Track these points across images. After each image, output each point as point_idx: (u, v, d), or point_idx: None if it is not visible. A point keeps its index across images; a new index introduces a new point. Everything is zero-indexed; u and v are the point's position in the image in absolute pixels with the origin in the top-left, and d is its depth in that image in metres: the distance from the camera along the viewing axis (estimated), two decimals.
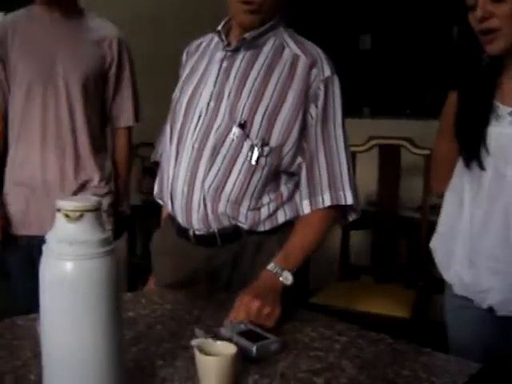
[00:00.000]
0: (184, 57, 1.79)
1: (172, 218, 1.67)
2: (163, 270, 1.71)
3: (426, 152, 3.01)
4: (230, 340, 1.18)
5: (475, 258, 1.57)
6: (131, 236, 3.99)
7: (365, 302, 2.85)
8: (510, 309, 1.54)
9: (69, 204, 0.90)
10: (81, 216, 0.90)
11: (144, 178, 3.89)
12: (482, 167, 1.53)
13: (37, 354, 1.06)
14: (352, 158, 3.06)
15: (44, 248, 0.93)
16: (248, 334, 1.23)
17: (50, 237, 0.93)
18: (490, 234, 1.54)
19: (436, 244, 1.72)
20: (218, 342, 1.11)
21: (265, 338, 1.23)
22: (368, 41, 4.25)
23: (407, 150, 3.16)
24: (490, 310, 1.57)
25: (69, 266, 0.90)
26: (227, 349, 1.08)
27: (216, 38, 1.65)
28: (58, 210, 0.91)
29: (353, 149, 3.14)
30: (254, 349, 1.18)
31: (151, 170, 3.78)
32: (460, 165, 1.62)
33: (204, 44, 1.72)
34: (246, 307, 1.36)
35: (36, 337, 1.13)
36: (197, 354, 1.06)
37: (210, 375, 1.04)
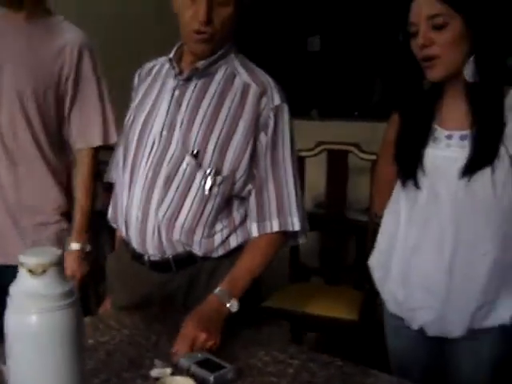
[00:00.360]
0: (136, 80, 1.81)
1: (126, 243, 1.71)
2: (118, 293, 1.74)
3: (373, 157, 3.10)
4: (187, 370, 1.24)
5: (408, 277, 1.66)
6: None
7: (316, 305, 2.93)
8: (440, 329, 1.63)
9: (32, 260, 0.94)
10: (44, 271, 0.94)
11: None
12: (417, 186, 1.61)
13: None
14: (301, 162, 3.17)
15: (8, 300, 0.97)
16: (205, 364, 1.29)
17: (14, 290, 0.96)
18: (423, 253, 1.62)
19: (374, 262, 1.81)
20: (177, 377, 1.16)
21: (221, 367, 1.28)
22: (317, 42, 4.33)
23: (355, 155, 3.25)
24: (421, 330, 1.66)
25: (33, 319, 0.94)
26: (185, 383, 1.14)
27: (168, 64, 1.69)
28: (21, 265, 0.95)
29: (302, 153, 3.27)
30: (212, 378, 1.24)
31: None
32: (398, 185, 1.71)
33: (156, 68, 1.75)
34: (190, 340, 1.40)
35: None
36: None
37: None
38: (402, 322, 1.70)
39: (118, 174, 1.73)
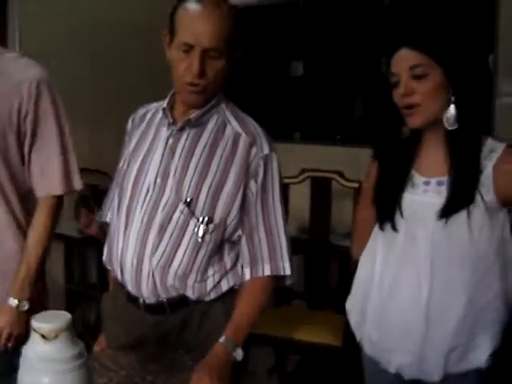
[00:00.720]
0: (129, 124, 1.89)
1: (121, 285, 1.78)
2: (113, 333, 1.81)
3: (355, 185, 3.21)
4: None
5: (385, 319, 1.75)
6: (68, 264, 4.12)
7: (300, 330, 3.02)
8: (417, 373, 1.72)
9: (45, 326, 1.02)
10: (56, 336, 1.02)
11: (79, 210, 3.94)
12: (394, 229, 1.71)
13: None
14: (285, 189, 3.25)
15: (21, 361, 1.04)
16: None
17: (27, 352, 1.04)
18: (400, 296, 1.71)
19: (350, 305, 1.90)
20: None
21: None
22: (300, 67, 4.43)
23: (338, 182, 3.36)
24: (399, 374, 1.75)
25: (45, 380, 1.02)
26: None
27: (161, 112, 1.76)
28: (34, 330, 1.03)
29: (286, 181, 3.35)
30: None
31: (86, 199, 3.85)
32: (376, 229, 1.80)
33: (149, 115, 1.83)
34: None
35: None
36: None
37: None
38: (380, 366, 1.79)
39: (113, 217, 1.81)
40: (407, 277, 1.69)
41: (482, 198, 1.61)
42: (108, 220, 1.90)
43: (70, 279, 4.15)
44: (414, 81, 1.63)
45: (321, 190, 3.40)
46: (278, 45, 4.49)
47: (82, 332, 3.71)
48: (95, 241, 3.72)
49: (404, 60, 1.64)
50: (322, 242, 3.45)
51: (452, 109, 1.63)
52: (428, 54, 1.61)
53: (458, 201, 1.62)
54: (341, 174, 3.34)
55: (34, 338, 1.03)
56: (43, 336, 1.02)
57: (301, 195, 3.44)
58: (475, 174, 1.62)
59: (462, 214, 1.61)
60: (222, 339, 1.61)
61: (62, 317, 1.05)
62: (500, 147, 1.65)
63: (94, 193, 3.95)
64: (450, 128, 1.64)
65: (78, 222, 3.90)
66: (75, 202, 3.98)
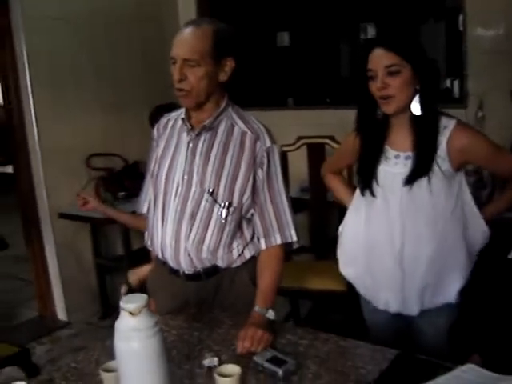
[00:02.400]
0: (155, 132, 2.27)
1: (163, 262, 2.20)
2: (162, 301, 2.23)
3: None
4: (261, 366, 1.74)
5: (371, 266, 2.20)
6: (96, 241, 4.54)
7: (309, 280, 3.48)
8: (399, 307, 2.18)
9: (132, 305, 1.43)
10: (140, 312, 1.43)
11: (99, 189, 4.34)
12: (373, 195, 2.13)
13: None
14: (284, 156, 3.64)
15: (115, 333, 1.46)
16: (273, 360, 1.75)
17: (120, 326, 1.45)
18: (380, 247, 2.16)
19: (340, 253, 2.36)
20: (227, 365, 1.67)
21: (285, 362, 1.73)
22: (286, 37, 4.76)
23: (330, 146, 3.75)
24: (386, 310, 2.22)
25: (135, 345, 1.44)
26: (234, 369, 1.64)
27: (180, 120, 2.15)
28: (123, 308, 1.44)
29: (285, 149, 3.76)
30: (281, 372, 1.70)
31: (106, 180, 4.24)
32: (358, 199, 2.23)
33: (171, 123, 2.22)
34: (251, 337, 1.87)
35: None
36: (215, 376, 1.62)
37: None
38: (371, 304, 2.27)
39: (150, 209, 2.22)
40: (384, 233, 2.13)
41: (439, 167, 2.02)
42: (145, 211, 2.31)
43: (98, 254, 4.59)
44: (389, 76, 2.01)
45: (316, 154, 3.79)
46: (265, 16, 4.81)
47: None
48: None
49: (380, 59, 2.01)
50: (321, 199, 3.85)
51: (417, 98, 2.03)
52: (400, 54, 2.00)
53: (419, 171, 2.03)
54: (332, 139, 3.72)
55: (124, 315, 1.44)
56: (131, 313, 1.43)
57: (299, 160, 3.84)
58: (433, 149, 2.03)
59: (423, 181, 2.03)
60: (256, 308, 2.03)
61: (142, 297, 1.47)
62: (451, 123, 2.06)
63: (111, 175, 4.35)
64: (415, 114, 2.04)
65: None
66: (95, 184, 4.38)
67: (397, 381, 1.62)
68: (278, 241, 2.13)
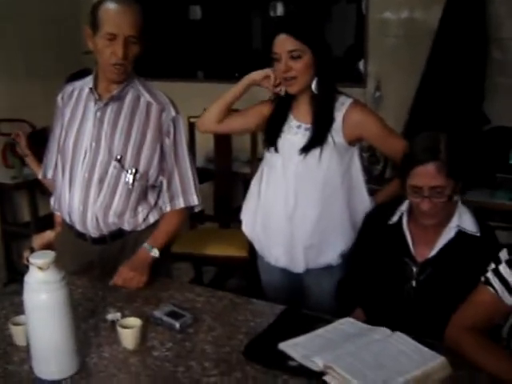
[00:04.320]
0: (59, 101, 2.35)
1: (69, 225, 2.30)
2: (67, 262, 2.31)
3: None
4: (160, 319, 1.89)
5: (266, 224, 2.42)
6: (2, 207, 4.55)
7: (213, 246, 3.66)
8: (287, 263, 2.40)
9: (40, 260, 1.55)
10: (48, 267, 1.56)
11: (6, 154, 4.33)
12: (277, 151, 2.33)
13: None
14: (192, 127, 3.76)
15: (25, 286, 1.58)
16: (172, 314, 1.91)
17: (29, 279, 1.57)
18: (275, 207, 2.37)
19: (243, 215, 2.56)
20: (129, 318, 1.82)
21: (183, 316, 1.90)
22: (198, 11, 4.86)
23: None
24: (276, 266, 2.44)
25: (43, 297, 1.56)
26: (135, 322, 1.79)
27: (86, 89, 2.25)
28: (31, 263, 1.56)
29: (192, 120, 3.87)
30: (178, 325, 1.87)
31: (13, 145, 4.23)
32: (264, 159, 2.43)
33: (76, 92, 2.30)
34: (123, 277, 2.14)
35: None
36: (118, 328, 1.77)
37: (127, 340, 1.76)
38: (265, 259, 2.49)
39: (58, 175, 2.31)
40: (280, 194, 2.35)
41: (333, 139, 2.23)
42: (50, 176, 2.40)
43: (4, 220, 4.60)
44: (292, 60, 2.20)
45: None
46: None
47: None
48: (26, 186, 4.16)
49: (284, 44, 2.19)
50: (226, 169, 4.03)
51: (315, 80, 2.23)
52: (302, 40, 2.18)
53: (313, 141, 2.25)
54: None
55: (33, 269, 1.56)
56: (39, 267, 1.55)
57: None
58: (328, 123, 2.24)
59: (317, 151, 2.24)
60: (144, 244, 2.24)
61: (49, 254, 1.58)
62: (348, 101, 2.27)
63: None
64: (315, 92, 2.23)
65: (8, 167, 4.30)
66: (2, 149, 4.35)
67: (281, 332, 1.81)
68: (182, 204, 2.29)
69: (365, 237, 2.23)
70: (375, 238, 2.16)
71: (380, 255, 2.12)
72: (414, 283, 2.04)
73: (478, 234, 2.01)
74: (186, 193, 2.29)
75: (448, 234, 2.02)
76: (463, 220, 2.03)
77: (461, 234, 2.02)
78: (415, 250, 2.06)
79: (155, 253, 2.24)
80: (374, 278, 2.12)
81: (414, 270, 2.04)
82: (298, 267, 2.40)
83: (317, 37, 2.26)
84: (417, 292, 2.03)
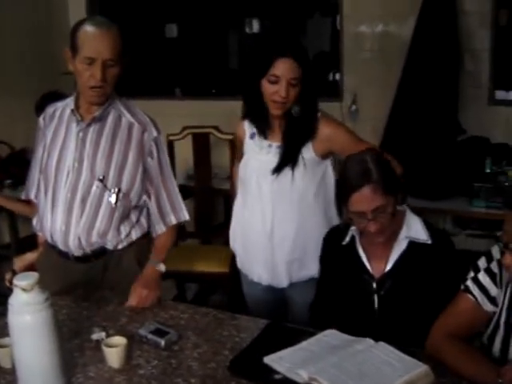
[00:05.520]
0: (41, 122, 2.36)
1: (52, 245, 2.31)
2: (49, 282, 2.31)
3: (229, 137, 3.79)
4: (145, 337, 1.90)
5: (247, 243, 2.46)
6: None
7: (194, 263, 3.66)
8: (270, 280, 2.43)
9: (24, 282, 1.56)
10: (32, 288, 1.56)
11: None
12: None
13: None
14: (171, 145, 3.78)
15: (9, 307, 1.58)
16: (156, 332, 1.92)
17: (13, 301, 1.58)
18: (254, 227, 2.40)
19: (230, 236, 2.58)
20: (114, 337, 1.83)
21: (168, 333, 1.92)
22: (174, 29, 4.90)
23: (214, 135, 3.94)
24: (259, 283, 2.46)
25: (28, 318, 1.57)
26: (120, 341, 1.80)
27: (68, 110, 2.26)
28: (16, 285, 1.56)
29: (171, 138, 3.92)
30: (163, 342, 1.88)
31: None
32: (238, 183, 2.48)
33: (58, 113, 2.31)
34: (138, 296, 2.17)
35: None
36: (103, 347, 1.77)
37: (112, 359, 1.77)
38: (248, 277, 2.51)
39: (40, 196, 2.31)
40: (257, 214, 2.38)
41: (303, 157, 2.27)
42: (33, 197, 2.40)
43: None
44: (290, 87, 2.20)
45: (201, 143, 4.00)
46: (153, 8, 4.93)
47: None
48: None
49: (289, 70, 2.17)
50: (206, 186, 4.05)
51: (298, 105, 2.25)
52: (303, 68, 2.19)
53: (285, 161, 2.29)
54: (217, 128, 3.92)
55: (17, 291, 1.57)
56: (23, 289, 1.56)
57: (185, 149, 4.02)
58: (300, 142, 2.29)
59: (289, 169, 2.28)
60: (150, 261, 2.30)
61: (33, 275, 1.59)
62: (318, 117, 2.30)
63: None
64: (295, 115, 2.26)
65: None
66: None
67: (266, 346, 1.82)
68: (174, 221, 2.34)
69: (325, 260, 2.25)
70: (333, 260, 2.18)
71: (341, 276, 2.13)
72: (376, 298, 2.05)
73: (430, 242, 2.03)
74: (175, 210, 2.33)
75: (399, 246, 2.04)
76: (412, 230, 2.04)
77: (412, 244, 2.04)
78: (371, 266, 2.07)
79: (161, 267, 2.30)
80: (340, 298, 2.13)
81: (374, 285, 2.05)
82: (282, 283, 2.42)
83: (309, 61, 2.29)
84: (380, 306, 2.05)
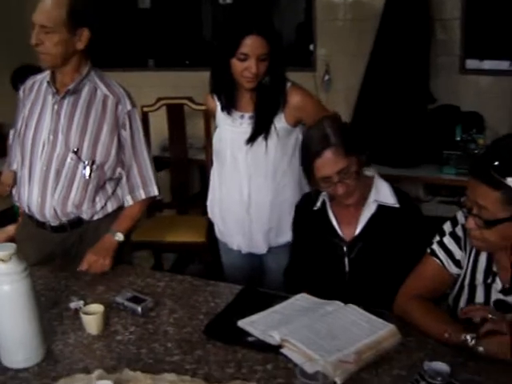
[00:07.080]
0: (21, 94, 2.38)
1: (29, 216, 2.33)
2: (28, 253, 2.34)
3: (203, 108, 3.78)
4: (122, 304, 1.95)
5: (225, 214, 2.50)
6: None
7: (172, 233, 3.70)
8: (250, 248, 2.49)
9: (1, 253, 1.59)
10: (10, 258, 1.60)
11: None
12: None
13: None
14: (145, 116, 3.79)
15: None
16: (133, 299, 1.97)
17: None
18: (231, 198, 2.44)
19: (209, 204, 2.61)
20: (92, 305, 1.87)
21: (144, 300, 1.97)
22: (147, 0, 4.86)
23: (189, 106, 3.96)
24: (239, 251, 2.51)
25: (6, 288, 1.60)
26: (98, 308, 1.85)
27: (45, 82, 2.28)
28: None
29: (145, 109, 3.92)
30: (139, 308, 1.93)
31: None
32: (213, 156, 2.52)
33: (36, 86, 2.34)
34: (88, 262, 2.20)
35: None
36: (81, 315, 1.82)
37: (91, 326, 1.82)
38: (227, 246, 2.55)
39: (18, 167, 2.34)
40: (234, 185, 2.42)
41: (275, 125, 2.31)
42: (14, 168, 2.42)
43: None
44: (259, 62, 2.20)
45: (175, 114, 4.00)
46: None
47: None
48: None
49: (257, 47, 2.18)
50: (181, 157, 4.07)
51: (268, 76, 2.27)
52: (271, 43, 2.20)
53: (258, 130, 2.32)
54: (191, 99, 3.93)
55: None
56: (1, 259, 1.59)
57: (159, 120, 4.02)
58: (272, 111, 2.32)
59: (262, 140, 2.31)
60: (110, 230, 2.30)
61: (11, 246, 1.62)
62: (287, 85, 2.33)
63: None
64: (266, 85, 2.29)
65: None
66: None
67: (240, 310, 1.89)
68: (143, 196, 2.36)
69: (297, 226, 2.30)
70: (305, 226, 2.23)
71: (313, 240, 2.19)
72: (346, 261, 2.11)
73: (397, 206, 2.09)
74: (145, 184, 2.36)
75: (368, 209, 2.10)
76: (381, 194, 2.11)
77: (381, 207, 2.10)
78: (342, 230, 2.13)
79: (119, 237, 2.30)
80: (312, 263, 2.19)
81: (344, 249, 2.11)
82: (261, 249, 2.49)
83: (276, 34, 2.30)
84: (351, 269, 2.11)
